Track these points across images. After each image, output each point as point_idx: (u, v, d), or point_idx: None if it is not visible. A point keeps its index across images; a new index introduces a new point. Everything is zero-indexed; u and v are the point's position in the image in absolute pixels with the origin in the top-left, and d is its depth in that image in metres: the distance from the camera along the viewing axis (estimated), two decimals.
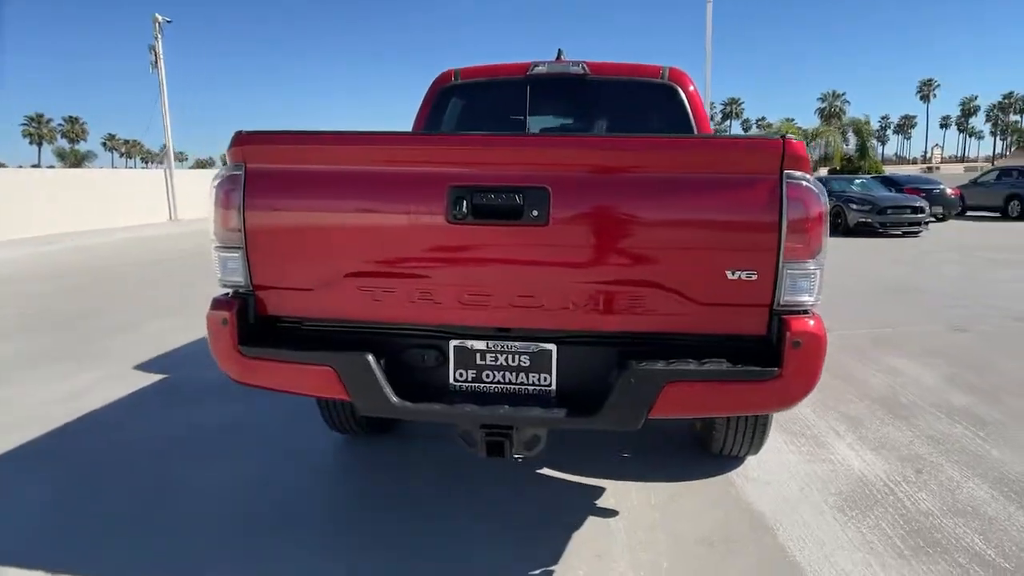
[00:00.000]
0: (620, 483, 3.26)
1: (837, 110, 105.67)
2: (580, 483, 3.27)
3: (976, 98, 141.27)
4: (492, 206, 2.18)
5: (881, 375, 4.89)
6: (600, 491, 3.18)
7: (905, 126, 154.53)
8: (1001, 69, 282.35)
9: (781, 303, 2.19)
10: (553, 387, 2.39)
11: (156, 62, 22.71)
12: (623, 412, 2.20)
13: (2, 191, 17.35)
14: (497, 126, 4.35)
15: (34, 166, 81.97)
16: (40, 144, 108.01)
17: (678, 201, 2.20)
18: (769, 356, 2.22)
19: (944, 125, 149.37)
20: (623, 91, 4.24)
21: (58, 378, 5.02)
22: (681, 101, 4.11)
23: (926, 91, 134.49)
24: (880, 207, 16.49)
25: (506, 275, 2.27)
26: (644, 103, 4.23)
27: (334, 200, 2.32)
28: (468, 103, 4.39)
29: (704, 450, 3.51)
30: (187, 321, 6.93)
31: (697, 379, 2.19)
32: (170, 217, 23.30)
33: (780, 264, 2.14)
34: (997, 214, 21.73)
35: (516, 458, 2.35)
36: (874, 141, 60.76)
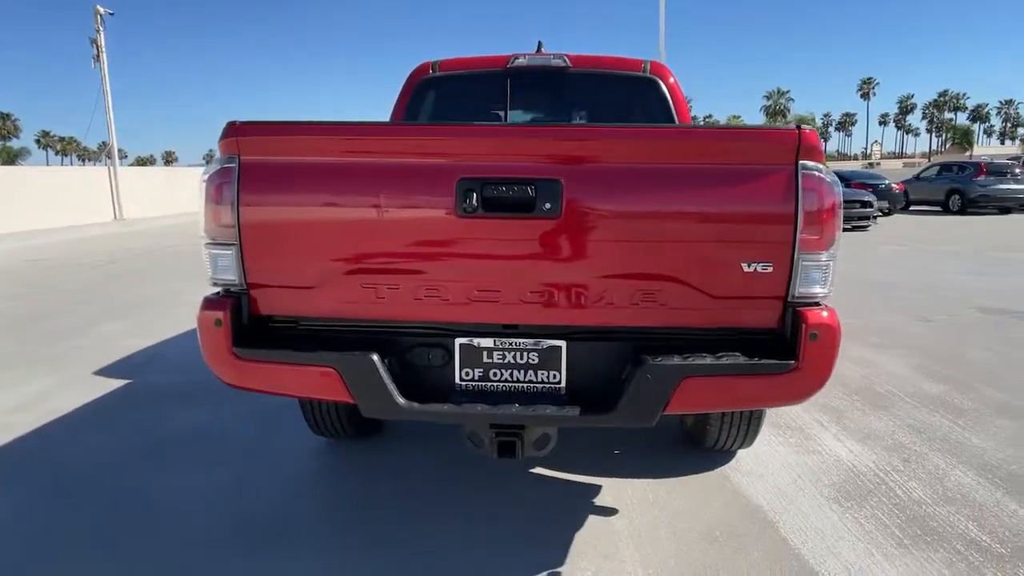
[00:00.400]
0: (615, 480, 3.21)
1: (782, 107, 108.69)
2: (576, 482, 3.21)
3: (912, 96, 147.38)
4: (503, 199, 2.10)
5: (855, 366, 4.97)
6: (597, 489, 3.13)
7: (846, 123, 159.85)
8: (936, 69, 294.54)
9: (796, 295, 2.17)
10: (563, 385, 2.33)
11: (98, 56, 21.76)
12: (639, 408, 2.14)
13: None
14: (477, 120, 4.26)
15: None
16: None
17: (693, 192, 2.15)
18: (784, 349, 2.19)
19: (883, 122, 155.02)
20: (605, 84, 4.20)
21: (12, 384, 4.73)
22: (663, 94, 4.10)
23: (866, 89, 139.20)
24: None
25: (516, 270, 2.19)
26: (626, 96, 4.20)
27: (336, 194, 2.20)
28: (447, 96, 4.28)
29: (694, 445, 3.50)
30: (143, 323, 6.66)
31: (714, 374, 2.15)
32: (115, 216, 22.41)
33: (796, 256, 2.12)
34: (939, 208, 22.57)
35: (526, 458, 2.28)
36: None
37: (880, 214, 18.62)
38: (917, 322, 6.40)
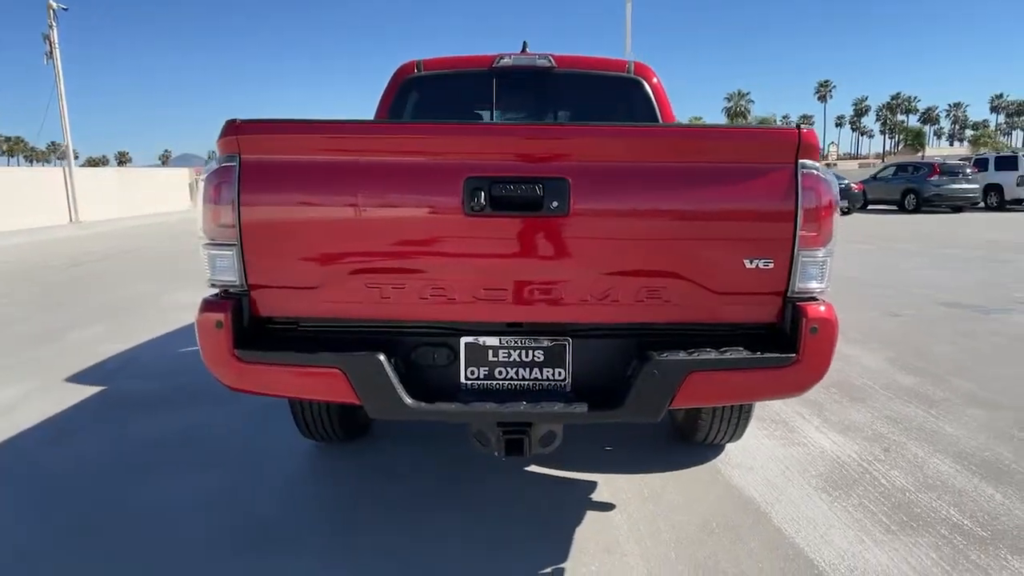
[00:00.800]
0: (610, 476, 3.25)
1: (743, 109, 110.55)
2: (571, 479, 3.24)
3: (867, 99, 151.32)
4: (511, 197, 2.12)
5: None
6: (592, 485, 3.17)
7: (803, 125, 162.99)
8: (889, 72, 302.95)
9: (795, 291, 2.23)
10: (568, 381, 2.35)
11: (51, 52, 21.12)
12: (647, 404, 2.18)
13: None
14: (461, 119, 4.26)
15: None
16: None
17: (698, 190, 2.19)
18: (784, 343, 2.25)
19: (839, 124, 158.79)
20: (589, 84, 4.23)
21: None
22: (647, 94, 4.15)
23: (823, 92, 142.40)
24: None
25: (522, 268, 2.21)
26: (610, 96, 4.24)
27: (341, 194, 2.18)
28: (431, 95, 4.27)
29: (685, 440, 3.55)
30: (113, 329, 6.50)
31: (719, 368, 2.20)
32: (71, 219, 21.78)
33: (795, 252, 2.18)
34: (895, 207, 23.25)
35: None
36: None
37: (841, 214, 19.04)
38: (888, 317, 6.59)
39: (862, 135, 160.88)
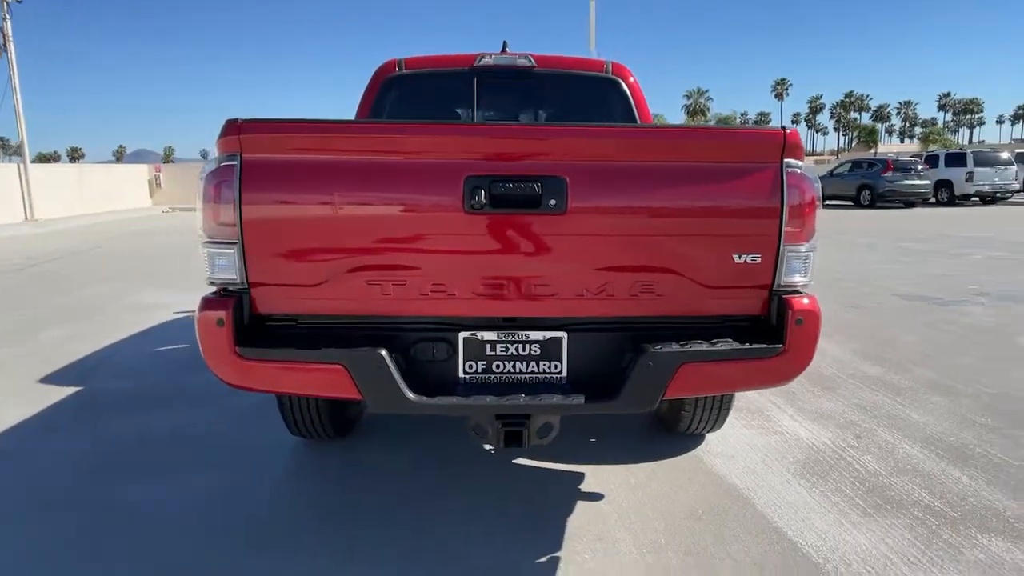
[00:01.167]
0: (597, 467, 3.33)
1: (702, 107, 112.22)
2: (559, 470, 3.31)
3: (821, 97, 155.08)
4: (510, 196, 2.18)
5: None
6: (580, 477, 3.24)
7: (761, 123, 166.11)
8: (843, 70, 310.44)
9: (781, 284, 2.33)
10: (564, 374, 2.42)
11: (5, 45, 20.43)
12: (641, 394, 2.26)
13: None
14: (442, 118, 4.30)
15: None
16: None
17: (689, 188, 2.28)
18: (770, 334, 2.35)
19: (795, 121, 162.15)
20: (569, 84, 4.31)
21: None
22: (624, 93, 4.24)
23: (780, 90, 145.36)
24: None
25: (520, 265, 2.27)
26: (589, 95, 4.32)
27: (342, 193, 2.21)
28: (413, 94, 4.30)
29: (667, 430, 3.66)
30: (83, 328, 6.36)
31: (709, 359, 2.29)
32: (26, 217, 21.10)
33: (781, 247, 2.28)
34: (851, 203, 23.90)
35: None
36: None
37: None
38: (850, 309, 6.83)
39: (817, 132, 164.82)
